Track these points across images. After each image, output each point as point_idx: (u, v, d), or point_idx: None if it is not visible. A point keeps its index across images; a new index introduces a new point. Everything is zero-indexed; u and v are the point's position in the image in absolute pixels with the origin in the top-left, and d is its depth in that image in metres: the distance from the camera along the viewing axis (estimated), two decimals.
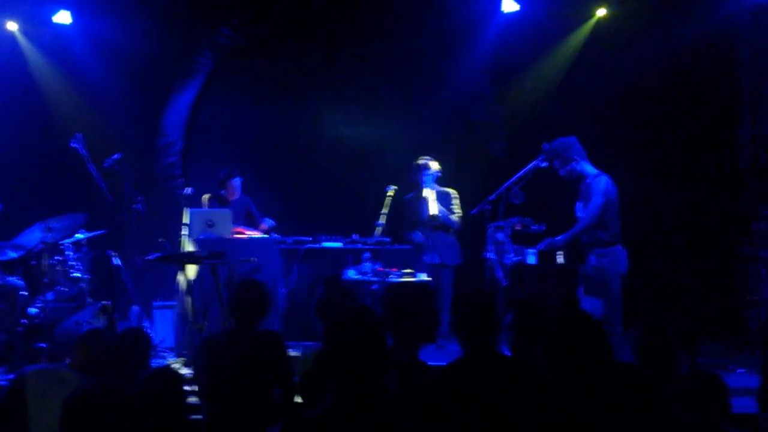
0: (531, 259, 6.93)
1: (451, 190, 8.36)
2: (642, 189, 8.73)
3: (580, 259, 6.78)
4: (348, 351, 2.77)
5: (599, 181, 6.71)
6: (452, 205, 8.29)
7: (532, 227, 7.17)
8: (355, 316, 2.89)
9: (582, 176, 6.84)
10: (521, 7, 9.21)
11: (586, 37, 9.35)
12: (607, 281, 6.62)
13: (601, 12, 9.23)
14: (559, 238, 6.76)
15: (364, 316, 2.89)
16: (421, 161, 8.35)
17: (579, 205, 6.85)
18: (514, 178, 7.10)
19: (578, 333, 3.16)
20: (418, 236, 8.31)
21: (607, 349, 3.20)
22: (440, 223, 8.24)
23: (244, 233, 8.35)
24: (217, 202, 8.76)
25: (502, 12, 9.28)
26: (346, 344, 2.78)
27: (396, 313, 3.70)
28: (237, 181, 8.84)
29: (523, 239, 7.20)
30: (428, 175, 8.26)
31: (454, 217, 8.25)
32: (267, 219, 8.85)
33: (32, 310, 7.37)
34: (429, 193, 8.23)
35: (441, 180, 8.46)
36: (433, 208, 8.15)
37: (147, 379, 3.78)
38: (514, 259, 7.11)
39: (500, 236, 7.22)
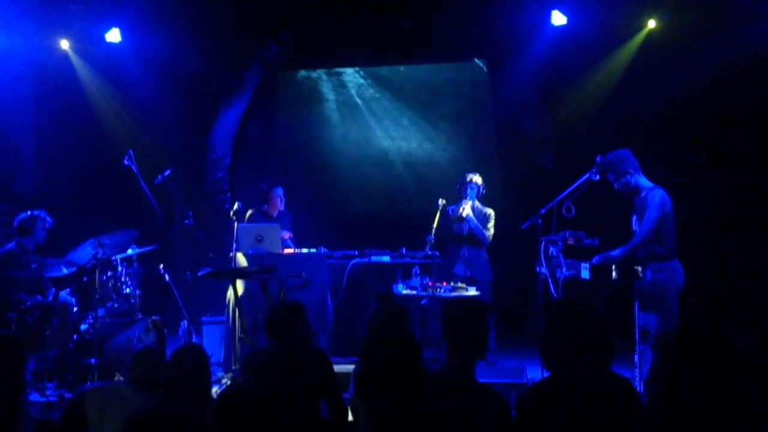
0: (584, 274, 6.80)
1: (489, 211, 8.28)
2: (697, 202, 8.57)
3: (634, 273, 6.63)
4: (379, 375, 2.74)
5: (654, 195, 6.57)
6: (488, 224, 8.23)
7: (585, 241, 7.03)
8: (387, 341, 2.86)
9: (637, 189, 6.71)
10: (570, 20, 9.15)
11: (637, 48, 9.23)
12: (663, 296, 6.44)
13: (652, 24, 9.11)
14: (615, 252, 6.61)
15: (396, 341, 2.86)
16: (466, 175, 8.31)
17: (634, 219, 6.73)
18: (566, 192, 6.98)
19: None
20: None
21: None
22: (469, 231, 8.17)
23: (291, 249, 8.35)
24: (261, 217, 8.68)
25: (552, 25, 9.23)
26: (377, 369, 2.75)
27: (453, 331, 3.62)
28: (278, 191, 8.74)
29: (576, 253, 7.09)
30: (471, 188, 8.23)
31: (487, 233, 8.19)
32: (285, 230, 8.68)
33: (83, 326, 7.42)
34: (466, 203, 8.18)
35: (485, 195, 8.38)
36: (464, 210, 8.10)
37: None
38: (566, 273, 6.99)
39: (552, 250, 7.12)
